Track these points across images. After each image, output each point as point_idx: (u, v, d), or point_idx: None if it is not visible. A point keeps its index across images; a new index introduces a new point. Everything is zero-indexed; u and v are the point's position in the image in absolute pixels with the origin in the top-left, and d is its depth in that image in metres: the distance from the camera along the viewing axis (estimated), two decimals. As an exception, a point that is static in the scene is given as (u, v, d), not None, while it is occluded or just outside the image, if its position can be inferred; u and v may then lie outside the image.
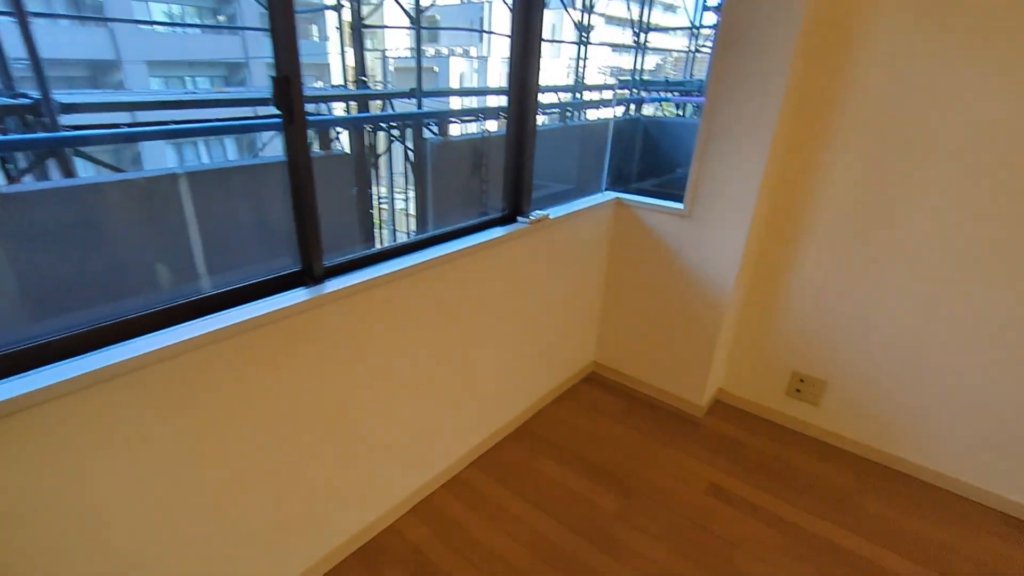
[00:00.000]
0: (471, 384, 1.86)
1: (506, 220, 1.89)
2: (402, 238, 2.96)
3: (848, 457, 2.11)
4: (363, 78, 4.09)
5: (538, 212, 1.94)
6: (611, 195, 2.32)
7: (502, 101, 3.18)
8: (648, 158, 2.77)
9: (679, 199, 2.14)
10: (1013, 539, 1.76)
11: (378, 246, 1.51)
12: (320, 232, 1.25)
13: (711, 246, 2.07)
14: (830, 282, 2.02)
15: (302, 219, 1.23)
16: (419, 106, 3.90)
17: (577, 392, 2.46)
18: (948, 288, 1.80)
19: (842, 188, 1.90)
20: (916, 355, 1.91)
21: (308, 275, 1.28)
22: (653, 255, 2.26)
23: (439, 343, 1.65)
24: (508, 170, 1.87)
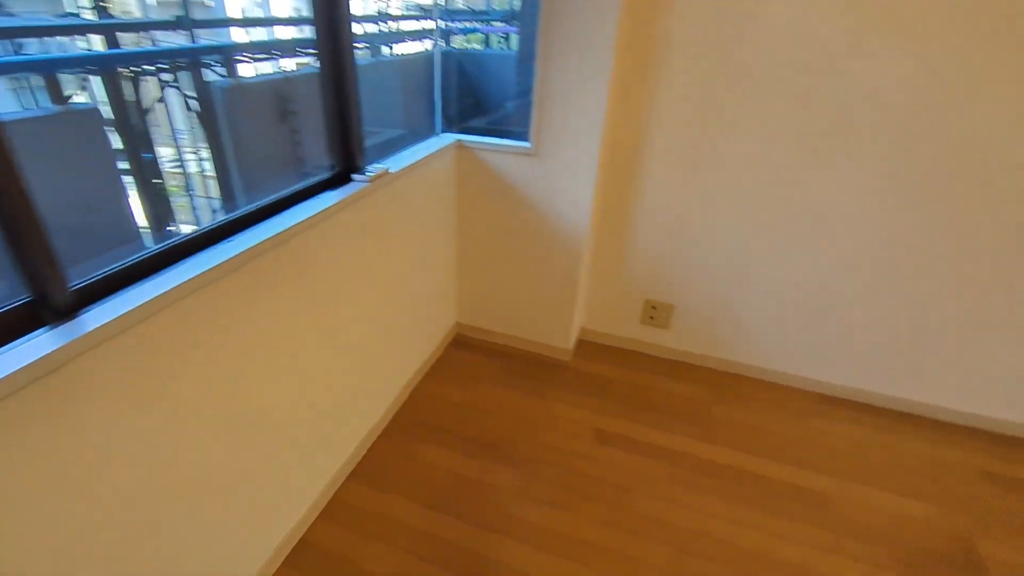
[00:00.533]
0: (331, 390, 1.52)
1: (339, 180, 1.51)
2: (206, 212, 2.33)
3: (701, 372, 2.24)
4: (104, 3, 3.07)
5: (376, 166, 1.59)
6: (450, 138, 2.03)
7: (298, 34, 2.60)
8: (471, 95, 2.50)
9: (518, 137, 1.95)
10: (869, 424, 2.03)
11: (181, 230, 1.05)
12: (46, 236, 0.78)
13: (562, 184, 1.93)
14: (671, 210, 2.02)
15: (13, 222, 0.76)
16: (192, 40, 3.07)
17: (447, 361, 2.24)
18: (766, 204, 1.90)
19: (675, 115, 1.86)
20: (746, 270, 2.03)
21: (46, 307, 0.82)
22: (504, 199, 2.06)
23: (281, 349, 1.28)
24: (331, 118, 1.47)
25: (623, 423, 1.92)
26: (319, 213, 1.29)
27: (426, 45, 2.49)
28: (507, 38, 2.45)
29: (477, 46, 2.59)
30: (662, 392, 2.10)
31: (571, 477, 1.70)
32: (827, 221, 1.85)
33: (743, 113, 1.77)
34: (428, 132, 2.13)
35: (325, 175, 1.49)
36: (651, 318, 2.28)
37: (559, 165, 1.90)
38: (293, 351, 1.32)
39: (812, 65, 1.64)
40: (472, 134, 2.06)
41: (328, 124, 1.48)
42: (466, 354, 2.28)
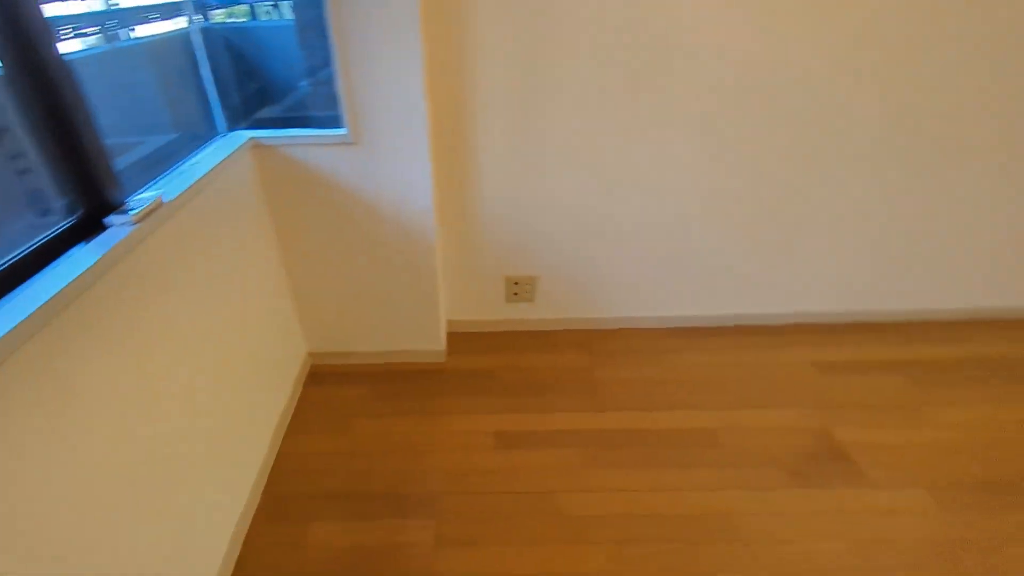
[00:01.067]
0: (171, 496, 1.10)
1: (86, 228, 1.05)
2: None
3: (575, 336, 2.18)
4: None
5: (143, 196, 1.14)
6: (241, 136, 1.59)
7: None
8: (253, 79, 2.01)
9: (329, 123, 1.60)
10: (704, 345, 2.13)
11: None
12: None
13: (395, 171, 1.63)
14: (514, 181, 1.85)
15: None
16: None
17: (308, 403, 1.86)
18: (603, 158, 1.83)
19: (497, 81, 1.67)
20: (597, 226, 1.96)
21: None
22: (330, 201, 1.70)
23: (76, 481, 0.85)
24: (47, 136, 0.99)
25: (519, 417, 1.78)
26: (61, 292, 0.85)
27: (178, 23, 1.90)
28: (276, 5, 1.98)
29: (243, 19, 2.06)
30: (545, 369, 2.00)
31: (486, 502, 1.50)
32: (661, 165, 1.84)
33: (565, 72, 1.63)
34: (209, 132, 1.65)
35: (67, 221, 1.02)
36: (515, 294, 2.14)
37: (387, 150, 1.60)
38: (98, 485, 0.89)
39: (624, 12, 1.55)
40: (267, 127, 1.64)
41: (44, 145, 1.00)
42: (328, 388, 1.92)
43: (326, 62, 1.51)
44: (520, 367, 2.01)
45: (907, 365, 2.01)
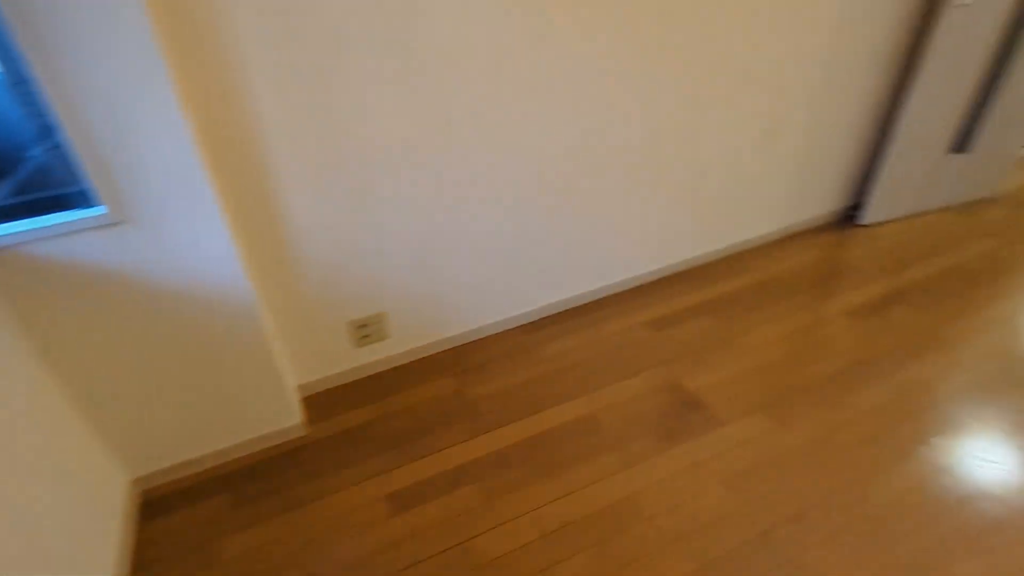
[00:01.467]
0: None
1: None
2: None
3: (437, 362, 2.10)
4: None
5: None
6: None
7: None
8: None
9: (80, 200, 1.24)
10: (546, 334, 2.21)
11: None
12: None
13: (186, 243, 1.33)
14: (334, 214, 1.66)
15: None
16: None
17: (149, 543, 1.47)
18: (416, 169, 1.76)
19: (283, 96, 1.47)
20: (429, 242, 1.89)
21: None
22: (113, 299, 1.34)
23: None
24: None
25: (405, 470, 1.65)
26: None
27: None
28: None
29: None
30: (418, 406, 1.89)
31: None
32: (475, 165, 1.82)
33: (349, 82, 1.49)
34: None
35: None
36: (366, 336, 1.97)
37: (166, 220, 1.29)
38: None
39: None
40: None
41: None
42: (173, 514, 1.55)
43: (40, 116, 1.15)
44: (391, 413, 1.87)
45: (712, 304, 2.34)
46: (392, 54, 1.48)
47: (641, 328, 2.22)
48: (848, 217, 3.00)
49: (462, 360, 2.09)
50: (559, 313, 2.33)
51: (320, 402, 1.92)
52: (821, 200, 2.86)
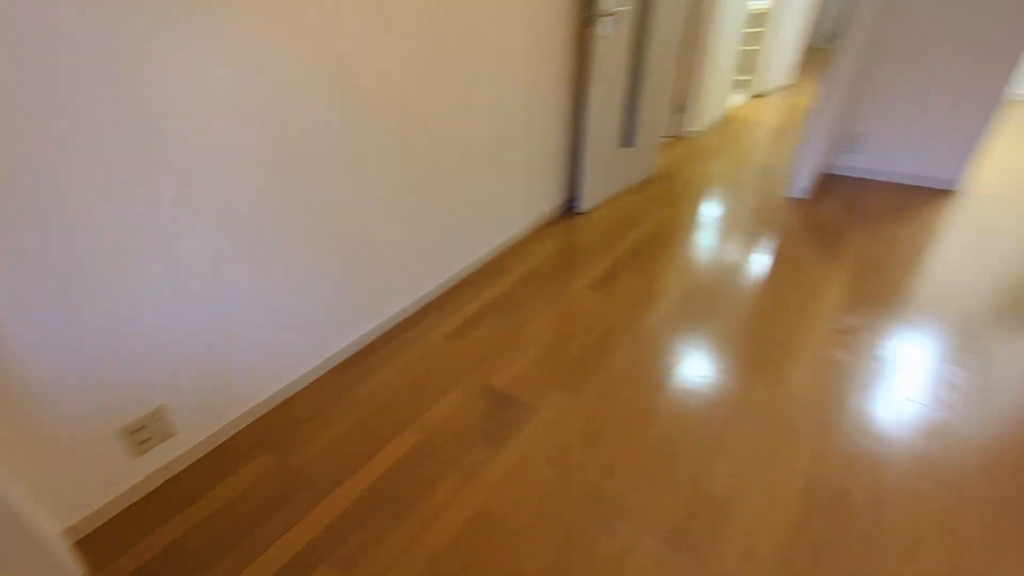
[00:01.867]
0: None
1: None
2: None
3: (247, 440, 1.87)
4: None
5: None
6: None
7: None
8: None
9: None
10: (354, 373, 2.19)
11: None
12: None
13: None
14: (46, 326, 1.36)
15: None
16: None
17: None
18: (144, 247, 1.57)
19: None
20: (189, 313, 1.70)
21: None
22: None
23: None
24: None
25: None
26: None
27: None
28: None
29: None
30: (235, 500, 1.67)
31: None
32: (212, 212, 1.69)
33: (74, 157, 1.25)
34: None
35: None
36: (146, 440, 1.64)
37: None
38: None
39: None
40: None
41: None
42: None
43: None
44: (205, 519, 1.61)
45: (494, 305, 2.64)
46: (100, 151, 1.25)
47: (442, 342, 2.37)
48: (570, 208, 3.67)
49: (274, 429, 1.92)
50: (362, 350, 2.31)
51: (104, 538, 1.54)
52: (548, 197, 3.43)
